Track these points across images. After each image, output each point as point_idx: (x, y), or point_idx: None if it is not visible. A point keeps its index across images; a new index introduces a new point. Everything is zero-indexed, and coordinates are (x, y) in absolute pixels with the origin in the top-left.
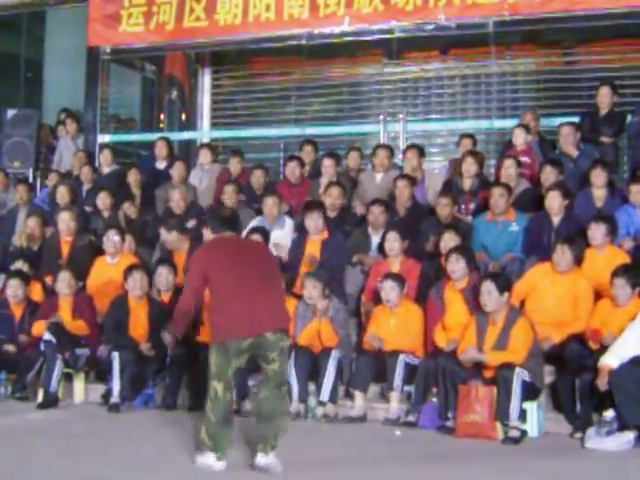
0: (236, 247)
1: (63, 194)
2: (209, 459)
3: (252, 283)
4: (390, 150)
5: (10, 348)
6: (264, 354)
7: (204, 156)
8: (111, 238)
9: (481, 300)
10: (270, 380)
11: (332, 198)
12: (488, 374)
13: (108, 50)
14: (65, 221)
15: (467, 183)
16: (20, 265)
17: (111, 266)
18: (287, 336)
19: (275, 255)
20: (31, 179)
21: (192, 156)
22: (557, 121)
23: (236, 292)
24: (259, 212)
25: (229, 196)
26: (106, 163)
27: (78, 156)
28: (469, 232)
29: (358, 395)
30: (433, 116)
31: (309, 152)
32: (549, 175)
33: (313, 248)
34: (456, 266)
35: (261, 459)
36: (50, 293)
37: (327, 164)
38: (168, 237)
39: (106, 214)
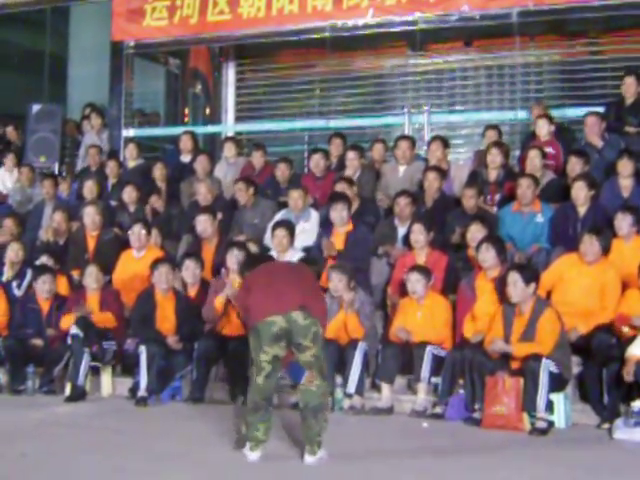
0: (272, 264)
1: (91, 188)
2: (246, 448)
3: (282, 281)
4: (412, 141)
5: (38, 342)
6: (297, 342)
7: (229, 149)
8: (137, 232)
9: (507, 291)
10: (307, 370)
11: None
12: (515, 365)
13: (132, 44)
14: (90, 215)
15: (492, 174)
16: (45, 259)
17: (137, 260)
18: (320, 324)
19: (325, 254)
20: (56, 174)
21: (216, 150)
22: (582, 111)
23: (266, 286)
24: (283, 205)
25: (240, 193)
26: (131, 157)
27: (90, 152)
28: (495, 223)
29: (385, 387)
30: (457, 107)
31: (337, 145)
32: (575, 166)
33: (338, 240)
34: (486, 255)
35: (309, 458)
36: (76, 287)
37: (351, 157)
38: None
39: (132, 208)
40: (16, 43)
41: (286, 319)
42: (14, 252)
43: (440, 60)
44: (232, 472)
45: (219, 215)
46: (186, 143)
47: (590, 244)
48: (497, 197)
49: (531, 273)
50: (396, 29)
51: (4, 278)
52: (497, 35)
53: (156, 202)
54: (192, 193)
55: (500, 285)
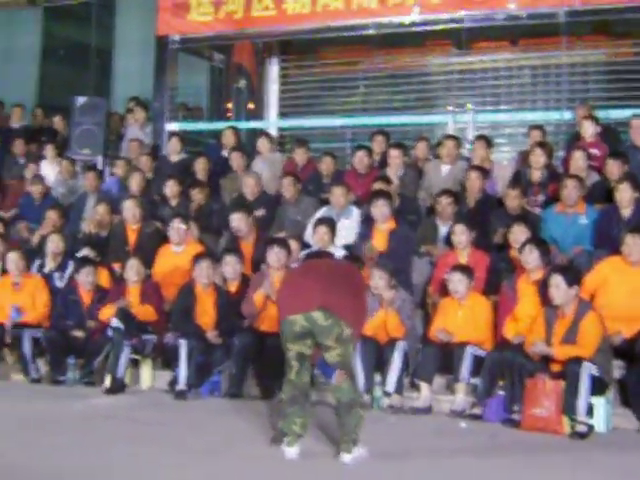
0: (311, 262)
1: (138, 181)
2: (283, 444)
3: (310, 280)
4: (458, 141)
5: (79, 334)
6: (321, 341)
7: (262, 145)
8: (176, 227)
9: (549, 293)
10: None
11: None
12: (556, 368)
13: (177, 39)
14: (130, 209)
15: (536, 175)
16: (87, 252)
17: (176, 254)
18: (345, 325)
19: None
20: (100, 167)
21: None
22: (628, 113)
23: (294, 284)
24: (324, 202)
25: (287, 188)
26: (174, 151)
27: (131, 146)
28: (538, 224)
29: (424, 386)
30: (502, 107)
31: (380, 142)
32: (612, 167)
33: (380, 238)
34: (530, 257)
35: (345, 457)
36: (117, 280)
37: (394, 154)
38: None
39: (173, 202)
40: (62, 36)
41: (306, 318)
42: (55, 244)
43: (485, 59)
44: (269, 468)
45: (261, 211)
46: (229, 138)
47: (634, 244)
48: (540, 198)
49: (574, 275)
50: (441, 27)
51: (46, 269)
52: (543, 34)
53: (196, 195)
54: (232, 189)
55: (542, 287)
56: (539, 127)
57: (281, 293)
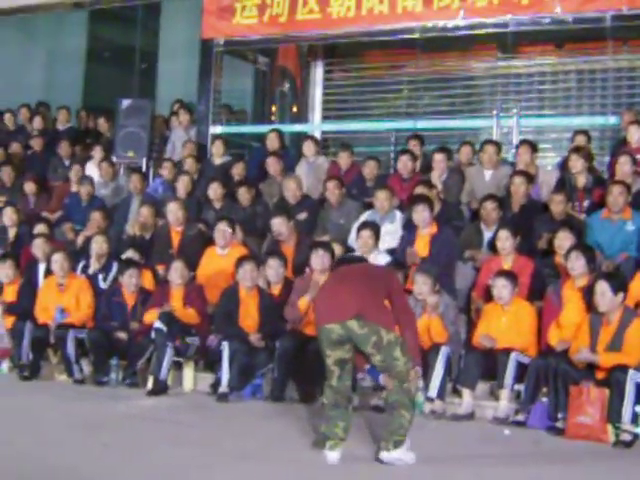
0: (346, 268)
1: (186, 184)
2: (325, 448)
3: (345, 287)
4: (498, 146)
5: (122, 335)
6: (361, 348)
7: (308, 148)
8: (222, 230)
9: (595, 300)
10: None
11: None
12: (601, 375)
13: (222, 42)
14: (173, 211)
15: (581, 180)
16: (131, 254)
17: (221, 257)
18: (386, 330)
19: (408, 262)
20: (144, 169)
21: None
22: None
23: (329, 291)
24: (368, 206)
25: (331, 191)
26: (218, 154)
27: (188, 147)
28: (583, 230)
29: (466, 392)
30: (547, 111)
31: (414, 146)
32: None
33: (422, 243)
34: (576, 264)
35: (383, 454)
36: (161, 282)
37: (438, 158)
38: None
39: (218, 205)
40: (108, 39)
41: (342, 327)
42: (99, 245)
43: (531, 63)
44: (310, 471)
45: (303, 214)
46: (273, 141)
47: None
48: (585, 203)
49: (619, 282)
50: (486, 31)
51: (90, 270)
52: (589, 39)
53: (244, 196)
54: (271, 193)
55: (588, 294)
56: (584, 132)
57: (317, 300)
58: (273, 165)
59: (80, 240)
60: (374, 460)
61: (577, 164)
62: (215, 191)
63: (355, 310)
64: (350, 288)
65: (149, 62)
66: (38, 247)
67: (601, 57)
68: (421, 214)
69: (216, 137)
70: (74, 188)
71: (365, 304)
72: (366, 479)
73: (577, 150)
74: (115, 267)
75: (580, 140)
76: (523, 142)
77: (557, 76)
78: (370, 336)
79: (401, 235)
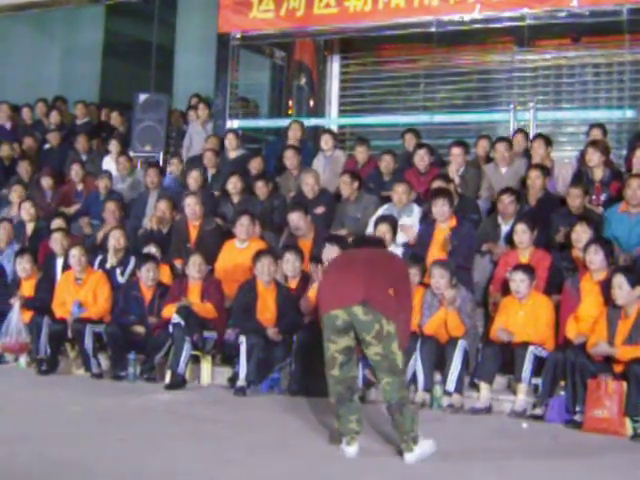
0: (352, 252)
1: (196, 178)
2: (343, 444)
3: (350, 272)
4: (509, 143)
5: (140, 329)
6: (361, 336)
7: (325, 142)
8: (245, 224)
9: (612, 294)
10: (375, 367)
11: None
12: (618, 369)
13: (238, 36)
14: (191, 206)
15: (598, 173)
16: (153, 249)
17: (240, 250)
18: (387, 320)
19: (404, 239)
20: (161, 163)
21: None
22: None
23: (334, 277)
24: (385, 199)
25: (346, 185)
26: (231, 148)
27: (211, 141)
28: (601, 224)
29: (484, 386)
30: (564, 105)
31: (409, 140)
32: None
33: (441, 236)
34: (594, 258)
35: (408, 456)
36: (178, 276)
37: (456, 152)
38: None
39: (236, 199)
40: (124, 33)
41: (347, 313)
42: (116, 239)
43: (547, 56)
44: (328, 465)
45: (321, 209)
46: (296, 132)
47: None
48: (603, 197)
49: (637, 276)
50: (503, 25)
51: (108, 265)
52: (606, 32)
53: (262, 189)
54: (288, 187)
55: (606, 287)
56: (599, 125)
57: (321, 287)
58: (290, 158)
59: (100, 236)
60: (394, 459)
61: (594, 157)
62: (235, 185)
63: (361, 296)
64: (357, 273)
65: (165, 57)
66: (56, 241)
67: (618, 50)
68: (441, 208)
69: (229, 131)
70: (79, 187)
71: (371, 290)
72: (383, 472)
73: (594, 143)
74: (132, 262)
75: (596, 134)
76: (538, 136)
77: (574, 70)
78: (373, 324)
79: (419, 229)
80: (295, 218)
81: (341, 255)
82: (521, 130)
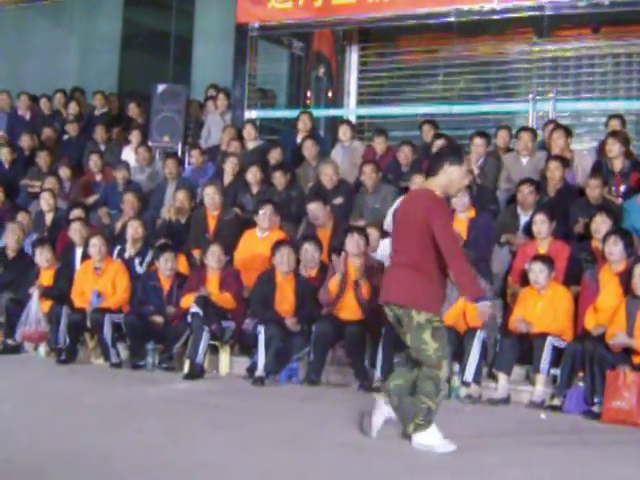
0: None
1: (234, 165)
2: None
3: (395, 250)
4: (534, 133)
5: (158, 319)
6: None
7: (343, 133)
8: (268, 213)
9: (632, 284)
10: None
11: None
12: (637, 359)
13: (256, 27)
14: (210, 195)
15: (617, 164)
16: (167, 239)
17: (260, 240)
18: (417, 311)
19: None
20: (179, 154)
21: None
22: None
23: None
24: (403, 190)
25: (368, 175)
26: (249, 138)
27: (229, 132)
28: (620, 215)
29: (502, 377)
30: (583, 95)
31: (427, 131)
32: None
33: (460, 227)
34: (614, 249)
35: (414, 439)
36: (197, 266)
37: (478, 142)
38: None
39: (255, 189)
40: (143, 24)
41: (388, 308)
42: (134, 229)
43: (567, 47)
44: (348, 454)
45: (339, 199)
46: (305, 123)
47: None
48: (622, 188)
49: None
50: (522, 14)
51: (127, 255)
52: (626, 22)
53: (280, 180)
54: (307, 177)
55: (625, 278)
56: (618, 116)
57: None
58: (309, 149)
59: (119, 226)
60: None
61: (614, 148)
62: (254, 175)
63: (388, 296)
64: (392, 266)
65: (184, 47)
66: (76, 231)
67: (638, 40)
68: (461, 199)
69: (247, 121)
70: (98, 178)
71: (390, 289)
72: (402, 461)
73: (614, 134)
74: (151, 251)
75: (614, 124)
76: (557, 127)
77: (594, 60)
78: (403, 317)
79: None
80: (314, 208)
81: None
82: (552, 121)
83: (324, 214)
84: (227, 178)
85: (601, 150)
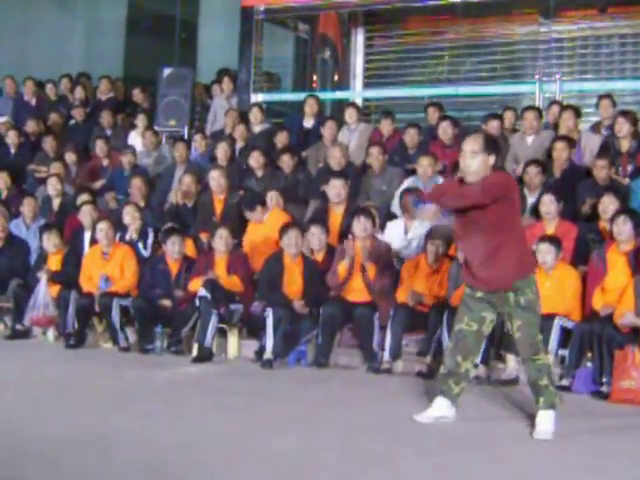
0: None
1: (226, 150)
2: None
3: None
4: (539, 112)
5: (166, 303)
6: None
7: (350, 115)
8: (275, 198)
9: None
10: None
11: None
12: None
13: (262, 9)
14: (216, 179)
15: (625, 145)
16: (174, 222)
17: (259, 224)
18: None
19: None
20: (186, 137)
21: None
22: None
23: None
24: (409, 172)
25: (375, 157)
26: (256, 122)
27: (231, 115)
28: (627, 195)
29: (509, 358)
30: (589, 76)
31: (432, 113)
32: None
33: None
34: (623, 228)
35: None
36: (204, 250)
37: (493, 125)
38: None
39: (259, 173)
40: (148, 8)
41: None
42: (130, 215)
43: (573, 27)
44: (355, 436)
45: (347, 182)
46: (312, 106)
47: None
48: (629, 168)
49: None
50: None
51: (128, 237)
52: (633, 2)
53: (288, 162)
54: (318, 159)
55: (633, 258)
56: (607, 96)
57: None
58: (329, 129)
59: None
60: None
61: (624, 128)
62: (257, 160)
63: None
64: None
65: (189, 31)
66: (86, 214)
67: None
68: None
69: (253, 105)
70: (104, 162)
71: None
72: (412, 443)
73: (624, 114)
74: (151, 234)
75: (605, 105)
76: (567, 107)
77: (600, 40)
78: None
79: None
80: (337, 185)
81: None
82: (557, 102)
83: (345, 192)
84: (222, 164)
85: (595, 128)
